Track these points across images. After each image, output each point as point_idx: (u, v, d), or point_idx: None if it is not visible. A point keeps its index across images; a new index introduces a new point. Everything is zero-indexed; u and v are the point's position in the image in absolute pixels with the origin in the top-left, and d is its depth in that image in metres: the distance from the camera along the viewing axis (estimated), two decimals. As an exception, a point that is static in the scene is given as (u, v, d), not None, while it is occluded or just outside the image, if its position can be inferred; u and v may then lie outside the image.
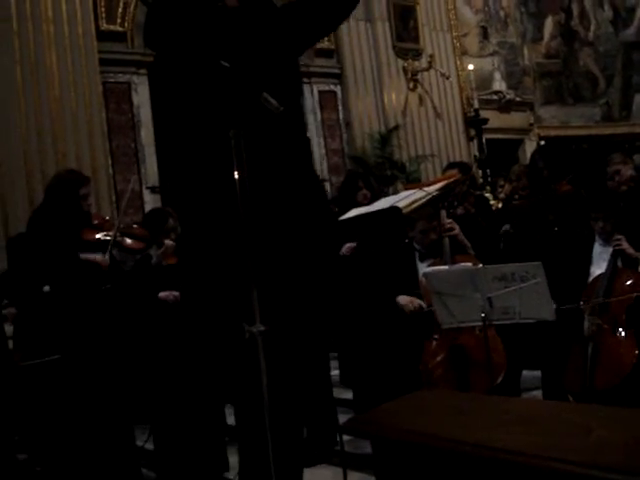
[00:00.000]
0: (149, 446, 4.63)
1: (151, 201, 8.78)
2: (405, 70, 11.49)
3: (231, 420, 3.96)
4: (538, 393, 4.59)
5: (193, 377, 4.46)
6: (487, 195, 8.72)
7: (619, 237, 4.24)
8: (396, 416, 2.14)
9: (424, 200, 3.89)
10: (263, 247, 2.57)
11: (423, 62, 11.64)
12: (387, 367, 4.33)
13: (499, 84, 13.16)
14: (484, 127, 11.86)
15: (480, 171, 11.11)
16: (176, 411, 4.40)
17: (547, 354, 4.37)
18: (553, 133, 13.73)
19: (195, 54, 2.80)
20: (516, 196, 6.06)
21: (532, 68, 14.05)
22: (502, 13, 13.63)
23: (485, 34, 13.28)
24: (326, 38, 10.75)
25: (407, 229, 4.72)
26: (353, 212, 4.33)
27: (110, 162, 8.53)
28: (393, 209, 3.59)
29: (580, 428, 1.79)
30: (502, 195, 7.52)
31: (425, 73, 11.63)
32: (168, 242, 4.70)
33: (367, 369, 4.64)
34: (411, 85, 11.51)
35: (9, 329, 4.77)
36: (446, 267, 4.18)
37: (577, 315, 4.19)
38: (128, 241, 4.57)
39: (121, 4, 8.93)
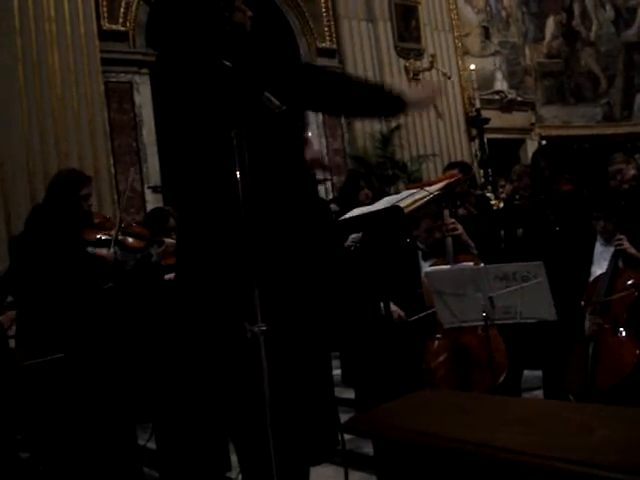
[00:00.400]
0: (151, 445, 4.63)
1: (153, 200, 8.78)
2: (407, 70, 11.49)
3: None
4: (539, 393, 4.59)
5: (195, 376, 4.46)
6: (488, 195, 8.73)
7: (620, 237, 4.24)
8: (397, 415, 2.14)
9: (425, 200, 3.88)
10: (265, 246, 2.58)
11: (425, 62, 11.64)
12: (389, 367, 4.34)
13: (500, 84, 13.16)
14: (485, 127, 11.86)
15: (481, 171, 11.12)
16: (178, 410, 4.40)
17: (548, 354, 4.37)
18: (554, 133, 13.73)
19: (197, 53, 2.81)
20: (517, 196, 6.06)
21: (533, 68, 14.05)
22: (504, 13, 13.63)
23: (487, 34, 13.28)
24: (328, 38, 10.78)
25: (411, 228, 4.73)
26: (355, 211, 4.33)
27: (112, 162, 8.53)
28: (395, 208, 3.59)
29: (581, 427, 1.79)
30: (503, 195, 7.52)
31: (427, 73, 11.64)
32: (169, 241, 4.70)
33: (369, 369, 4.64)
34: (413, 85, 11.50)
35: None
36: (448, 267, 4.19)
37: (578, 315, 4.19)
38: (129, 240, 4.58)
39: (123, 4, 8.93)
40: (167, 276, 4.61)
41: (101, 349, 4.15)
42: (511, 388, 4.13)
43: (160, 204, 8.35)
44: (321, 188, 10.37)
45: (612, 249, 4.28)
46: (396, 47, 11.37)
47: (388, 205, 3.72)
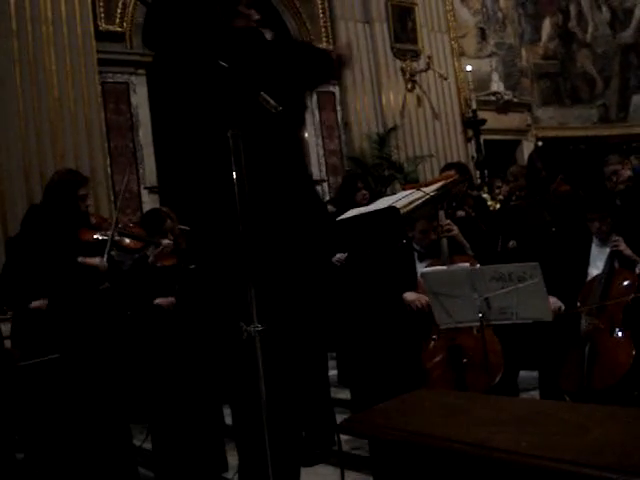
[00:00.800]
0: (147, 445, 4.63)
1: (149, 201, 8.77)
2: (403, 71, 11.49)
3: (229, 420, 3.98)
4: (536, 393, 4.59)
5: (191, 376, 4.46)
6: (485, 196, 8.74)
7: (617, 238, 4.25)
8: (393, 416, 2.15)
9: (422, 200, 3.89)
10: (261, 247, 2.58)
11: (421, 63, 11.64)
12: (385, 367, 4.34)
13: (497, 85, 13.17)
14: (482, 128, 11.88)
15: (478, 172, 11.13)
16: (174, 410, 4.40)
17: (544, 354, 4.38)
18: (550, 134, 13.74)
19: (194, 54, 2.81)
20: (513, 197, 6.07)
21: (530, 69, 14.06)
22: (500, 14, 13.64)
23: (483, 35, 13.29)
24: (324, 39, 10.78)
25: (407, 229, 4.73)
26: (351, 212, 4.34)
27: (108, 162, 8.53)
28: (391, 209, 3.60)
29: (577, 427, 1.80)
30: (500, 196, 7.54)
31: (423, 74, 11.64)
32: (165, 242, 4.70)
33: (365, 369, 4.64)
34: (409, 86, 11.51)
35: (5, 328, 4.77)
36: (444, 267, 4.20)
37: (574, 315, 4.19)
38: (126, 241, 4.58)
39: (120, 4, 8.93)
40: (158, 300, 4.61)
41: (97, 349, 4.15)
42: (507, 389, 4.13)
43: (157, 205, 8.35)
44: (317, 189, 10.38)
45: (608, 250, 4.29)
46: (392, 48, 11.37)
47: (384, 206, 3.73)
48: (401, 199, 3.98)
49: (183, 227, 4.79)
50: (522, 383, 4.67)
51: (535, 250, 4.73)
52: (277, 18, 10.38)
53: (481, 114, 11.94)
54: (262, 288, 2.48)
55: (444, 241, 4.37)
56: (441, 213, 4.45)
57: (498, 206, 7.64)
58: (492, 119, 12.53)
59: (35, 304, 4.23)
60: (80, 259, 4.27)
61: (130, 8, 8.98)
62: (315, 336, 3.22)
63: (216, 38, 2.79)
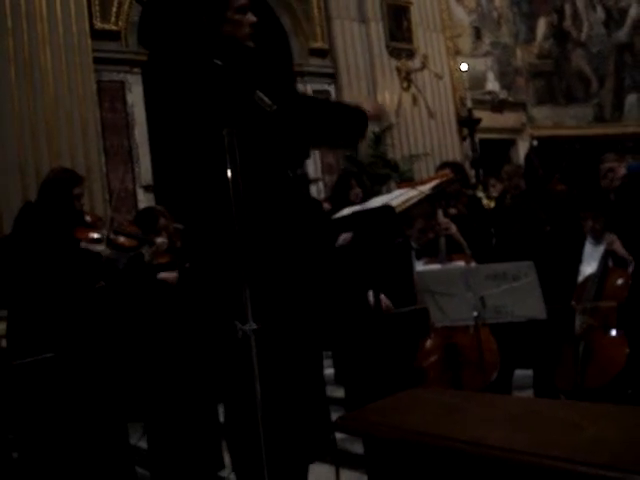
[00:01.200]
0: (143, 444, 4.63)
1: (145, 200, 8.76)
2: (398, 70, 11.49)
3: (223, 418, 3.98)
4: (530, 392, 4.60)
5: (187, 375, 4.46)
6: (480, 195, 8.75)
7: (611, 237, 4.26)
8: (387, 414, 2.15)
9: (417, 199, 3.89)
10: (256, 245, 2.58)
11: (416, 62, 11.65)
12: (380, 365, 4.34)
13: (492, 84, 13.18)
14: (477, 127, 11.88)
15: (473, 171, 11.15)
16: (170, 409, 4.40)
17: (539, 353, 4.39)
18: (545, 133, 13.76)
19: (189, 53, 2.81)
20: (508, 195, 6.08)
21: (525, 68, 14.07)
22: (495, 13, 13.65)
23: (478, 34, 13.30)
24: (320, 38, 10.79)
25: (404, 228, 4.74)
26: (346, 210, 4.34)
27: (104, 161, 8.52)
28: (386, 208, 3.59)
29: (571, 426, 1.80)
30: (495, 194, 7.55)
31: (418, 73, 11.65)
32: (160, 240, 4.70)
33: (360, 367, 4.65)
34: (404, 85, 11.52)
35: (1, 327, 4.76)
36: (439, 266, 4.21)
37: (568, 314, 4.21)
38: (121, 239, 4.58)
39: (115, 3, 8.91)
40: (162, 274, 4.63)
41: (92, 348, 4.15)
42: (502, 387, 4.14)
43: (152, 203, 8.34)
44: (313, 187, 10.39)
45: (602, 249, 4.30)
46: (388, 47, 11.38)
47: (379, 204, 3.72)
48: (396, 198, 3.98)
49: (178, 225, 4.79)
50: (517, 382, 4.67)
51: (530, 248, 4.74)
52: (272, 17, 10.38)
53: (476, 113, 11.95)
54: (257, 287, 2.48)
55: (442, 240, 4.38)
56: (439, 212, 4.46)
57: (493, 205, 7.65)
58: (487, 118, 12.54)
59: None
60: (83, 244, 4.29)
61: (126, 7, 8.97)
62: (310, 334, 3.22)
63: (202, 44, 2.78)
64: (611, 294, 4.13)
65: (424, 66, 11.60)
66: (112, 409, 4.25)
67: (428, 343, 4.26)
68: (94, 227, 4.48)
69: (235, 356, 2.64)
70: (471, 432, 1.82)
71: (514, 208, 5.72)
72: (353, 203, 5.05)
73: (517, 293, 3.54)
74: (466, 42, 13.07)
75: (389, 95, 11.30)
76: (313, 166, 10.52)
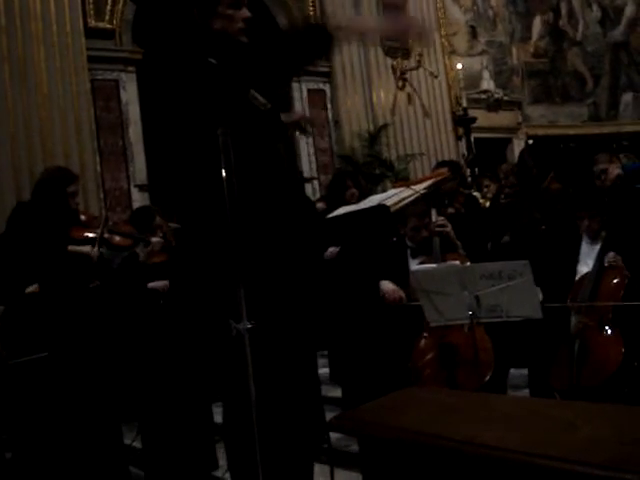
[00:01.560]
0: (137, 444, 4.62)
1: (139, 199, 8.76)
2: (394, 69, 11.50)
3: (218, 418, 3.97)
4: (526, 391, 4.60)
5: (181, 375, 4.45)
6: (476, 194, 8.76)
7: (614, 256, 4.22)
8: (382, 413, 2.14)
9: (412, 198, 3.89)
10: (250, 245, 2.57)
11: (412, 61, 11.66)
12: (376, 365, 4.34)
13: (487, 83, 13.21)
14: (472, 126, 11.90)
15: (469, 170, 11.16)
16: (164, 409, 4.39)
17: (534, 352, 4.38)
18: (541, 132, 13.78)
19: (183, 51, 2.80)
20: (503, 195, 6.08)
21: (520, 67, 14.10)
22: (491, 12, 13.67)
23: (474, 33, 13.32)
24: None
25: (399, 226, 4.74)
26: (341, 210, 4.33)
27: (98, 160, 8.51)
28: (381, 207, 3.59)
29: (567, 425, 1.80)
30: (489, 194, 7.55)
31: (414, 72, 11.66)
32: (155, 240, 4.69)
33: (356, 367, 4.64)
34: (400, 84, 11.53)
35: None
36: (434, 265, 4.20)
37: (564, 313, 4.20)
38: (116, 238, 4.57)
39: (109, 1, 8.91)
40: (151, 284, 4.62)
41: (86, 348, 4.14)
42: (497, 386, 4.14)
43: (147, 202, 8.34)
44: (308, 186, 10.38)
45: (598, 248, 4.30)
46: (383, 46, 11.38)
47: (374, 204, 3.72)
48: (391, 197, 3.98)
49: (173, 225, 4.78)
50: (512, 381, 4.67)
51: (525, 248, 4.74)
52: (268, 16, 10.37)
53: (472, 112, 11.98)
54: (252, 285, 2.48)
55: (436, 239, 4.38)
56: (433, 211, 4.45)
57: (488, 204, 7.65)
58: (483, 117, 12.56)
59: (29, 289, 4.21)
60: (70, 247, 4.25)
61: (120, 5, 8.97)
62: (304, 333, 3.22)
63: (193, 39, 2.76)
64: (607, 293, 4.13)
65: (419, 65, 11.60)
66: (106, 409, 4.23)
67: (423, 342, 4.25)
68: (89, 226, 4.46)
69: (229, 355, 2.63)
70: (466, 431, 1.82)
71: (509, 207, 5.72)
72: (348, 203, 5.04)
73: (512, 292, 3.53)
74: (461, 41, 13.09)
75: (384, 94, 11.31)
76: (308, 165, 10.51)
